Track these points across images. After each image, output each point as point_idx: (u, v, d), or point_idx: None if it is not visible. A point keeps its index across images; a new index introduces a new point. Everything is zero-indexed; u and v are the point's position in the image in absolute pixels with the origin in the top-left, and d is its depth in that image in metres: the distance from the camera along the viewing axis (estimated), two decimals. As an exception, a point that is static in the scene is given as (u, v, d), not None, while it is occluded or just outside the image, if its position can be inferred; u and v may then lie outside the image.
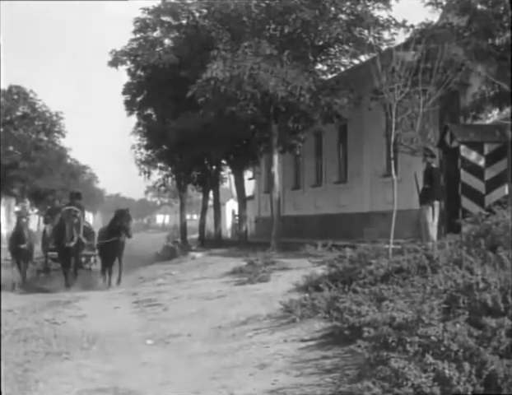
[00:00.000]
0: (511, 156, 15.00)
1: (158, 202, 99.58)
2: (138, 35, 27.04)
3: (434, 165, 14.55)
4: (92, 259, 19.03)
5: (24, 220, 18.63)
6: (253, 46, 20.83)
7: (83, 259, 18.53)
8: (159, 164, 31.51)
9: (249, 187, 35.82)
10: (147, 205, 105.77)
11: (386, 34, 20.59)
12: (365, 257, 10.70)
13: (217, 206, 31.67)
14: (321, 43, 21.85)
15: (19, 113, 43.19)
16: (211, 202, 32.12)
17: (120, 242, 18.23)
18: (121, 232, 18.07)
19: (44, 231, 19.64)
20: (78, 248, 17.82)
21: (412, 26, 16.74)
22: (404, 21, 18.10)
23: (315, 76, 21.60)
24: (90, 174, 66.90)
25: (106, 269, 18.65)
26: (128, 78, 28.49)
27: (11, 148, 41.47)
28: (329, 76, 22.84)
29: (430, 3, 15.61)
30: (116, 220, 18.40)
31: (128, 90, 28.96)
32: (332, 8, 21.35)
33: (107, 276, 18.53)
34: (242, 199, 28.28)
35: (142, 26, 26.77)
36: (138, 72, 27.91)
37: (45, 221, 20.34)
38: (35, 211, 42.17)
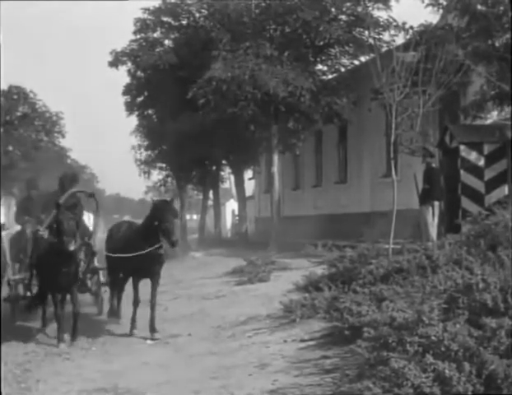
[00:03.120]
0: (511, 156, 14.98)
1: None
2: (138, 36, 27.05)
3: (433, 165, 14.56)
4: (102, 275, 12.02)
5: None
6: (254, 47, 20.86)
7: (88, 277, 11.29)
8: (159, 165, 31.56)
9: (249, 187, 35.90)
10: (147, 205, 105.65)
11: (386, 35, 20.66)
12: (365, 257, 10.72)
13: (217, 206, 31.72)
14: (321, 43, 21.90)
15: (19, 114, 43.12)
16: (211, 202, 32.16)
17: (158, 255, 10.83)
18: (159, 238, 10.49)
19: (16, 240, 11.84)
20: (84, 258, 10.88)
21: (412, 28, 16.74)
22: (404, 23, 18.11)
23: (315, 77, 21.64)
24: (90, 174, 66.91)
25: (115, 295, 11.66)
26: (128, 79, 28.56)
27: (11, 148, 41.40)
28: (329, 77, 22.87)
29: (430, 4, 15.60)
30: (154, 216, 10.54)
31: (128, 90, 29.00)
32: (333, 9, 21.41)
33: (115, 305, 11.62)
34: (242, 199, 28.31)
35: (143, 27, 26.78)
36: (138, 73, 27.94)
37: (19, 221, 12.19)
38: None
